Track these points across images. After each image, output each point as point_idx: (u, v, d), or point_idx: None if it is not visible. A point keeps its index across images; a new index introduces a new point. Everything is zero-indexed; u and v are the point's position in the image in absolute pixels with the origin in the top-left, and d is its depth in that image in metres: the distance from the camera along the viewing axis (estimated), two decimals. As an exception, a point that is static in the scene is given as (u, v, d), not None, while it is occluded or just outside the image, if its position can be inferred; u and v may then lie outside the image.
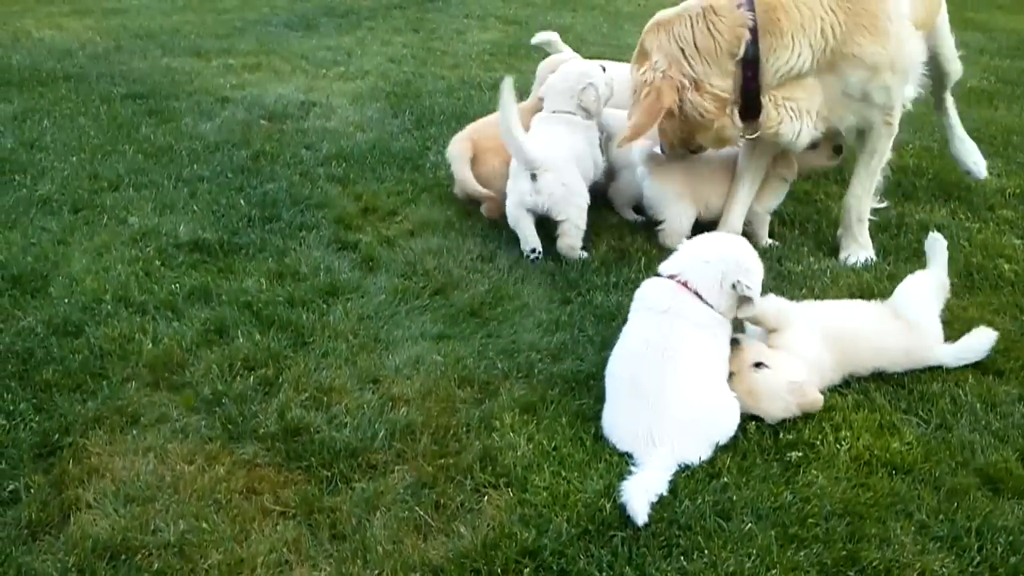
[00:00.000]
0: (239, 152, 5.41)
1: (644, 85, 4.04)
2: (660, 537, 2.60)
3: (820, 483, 2.82)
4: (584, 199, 4.28)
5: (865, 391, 3.30)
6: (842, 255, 4.39)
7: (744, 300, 3.19)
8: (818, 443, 3.01)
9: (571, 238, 4.24)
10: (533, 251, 4.23)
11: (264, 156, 5.35)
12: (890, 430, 3.09)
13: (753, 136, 4.20)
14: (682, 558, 2.53)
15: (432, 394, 3.22)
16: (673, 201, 4.43)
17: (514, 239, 4.38)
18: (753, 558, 2.52)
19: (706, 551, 2.55)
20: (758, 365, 3.17)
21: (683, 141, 4.28)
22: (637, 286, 3.91)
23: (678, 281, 3.20)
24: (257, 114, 6.11)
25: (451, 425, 3.06)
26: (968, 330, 3.57)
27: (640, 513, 2.62)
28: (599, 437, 3.03)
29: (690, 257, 3.28)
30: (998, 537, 2.62)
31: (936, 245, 3.75)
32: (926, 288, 3.60)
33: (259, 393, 3.20)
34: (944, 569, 2.51)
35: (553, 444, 2.98)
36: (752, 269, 3.26)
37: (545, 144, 4.25)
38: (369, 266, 4.13)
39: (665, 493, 2.73)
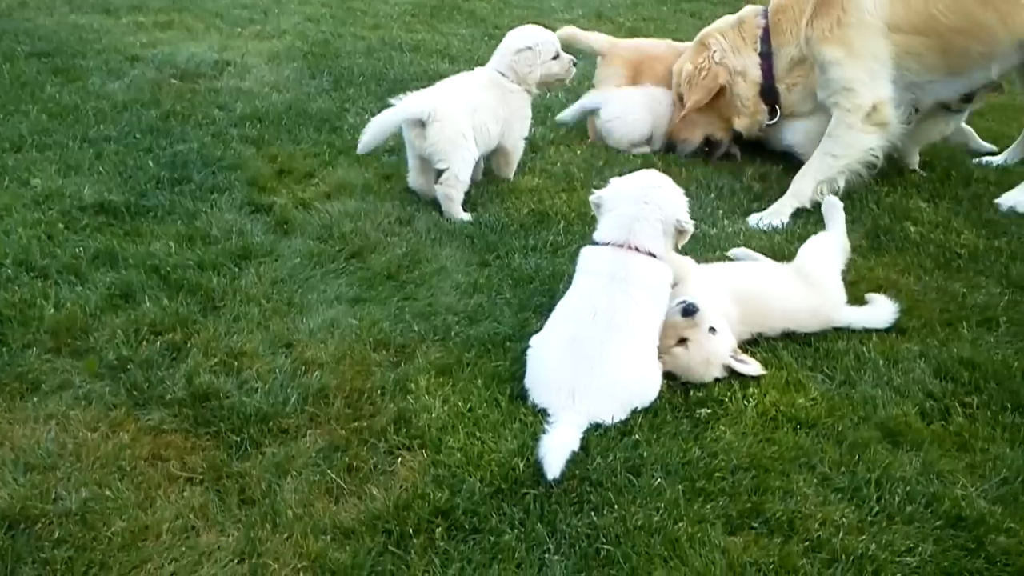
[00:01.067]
0: (148, 112, 5.24)
1: (701, 70, 5.11)
2: (572, 494, 2.64)
3: (728, 438, 2.89)
4: (470, 153, 4.28)
5: (773, 350, 3.38)
6: (754, 216, 4.49)
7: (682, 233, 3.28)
8: (727, 400, 3.07)
9: (450, 188, 4.24)
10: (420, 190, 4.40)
11: (175, 116, 5.20)
12: (796, 387, 3.17)
13: (773, 123, 5.18)
14: (592, 513, 2.57)
15: (347, 358, 3.19)
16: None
17: (433, 202, 4.35)
18: (661, 512, 2.57)
19: (616, 506, 2.59)
20: (711, 330, 3.19)
21: (718, 128, 5.29)
22: (556, 249, 3.97)
23: (625, 246, 3.20)
24: (168, 73, 5.93)
25: (365, 388, 3.04)
26: (875, 290, 3.69)
27: (553, 468, 2.64)
28: (515, 397, 3.04)
29: (627, 219, 3.25)
30: (896, 487, 2.71)
31: (833, 209, 3.85)
32: (827, 250, 3.70)
33: (166, 359, 3.13)
34: (844, 519, 2.59)
35: (468, 405, 2.98)
36: (682, 201, 3.35)
37: (439, 95, 4.29)
38: (283, 229, 4.05)
39: (577, 450, 2.77)
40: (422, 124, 4.18)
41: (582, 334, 3.02)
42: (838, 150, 4.65)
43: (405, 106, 4.18)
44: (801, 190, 4.61)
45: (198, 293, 3.50)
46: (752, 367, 3.18)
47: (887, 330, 3.52)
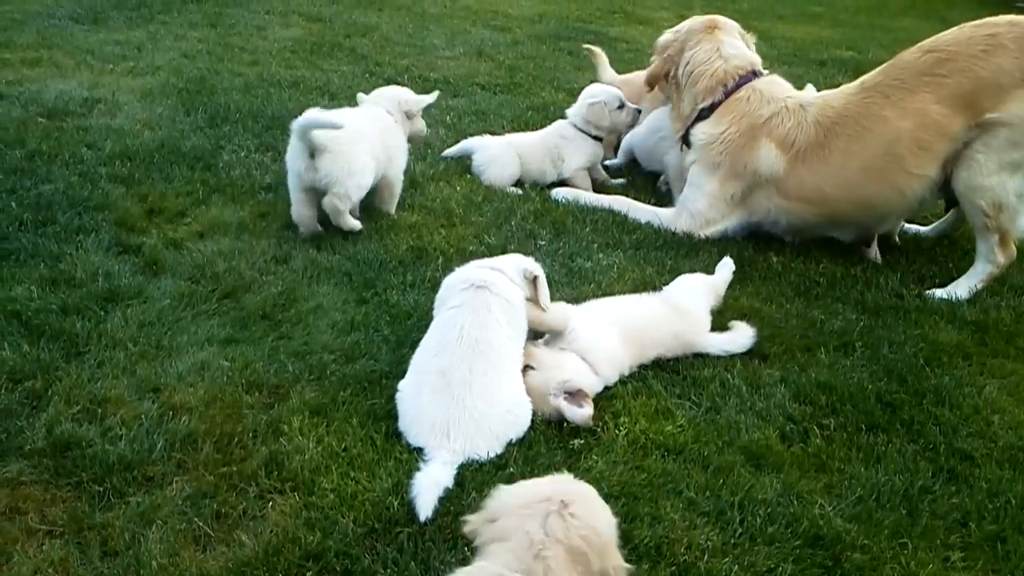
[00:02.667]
0: (12, 152, 5.04)
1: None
2: (446, 530, 2.65)
3: (599, 467, 2.95)
4: (365, 180, 4.39)
5: (644, 378, 3.48)
6: None
7: (537, 288, 3.36)
8: (599, 430, 3.15)
9: (338, 200, 4.28)
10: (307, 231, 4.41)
11: (40, 156, 5.01)
12: (665, 414, 3.26)
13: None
14: (466, 549, 2.57)
15: (217, 401, 3.13)
16: None
17: (311, 240, 4.33)
18: (534, 545, 2.60)
19: (490, 541, 2.61)
20: (526, 368, 3.27)
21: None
22: (435, 285, 3.98)
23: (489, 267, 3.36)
24: (34, 111, 5.71)
25: (236, 432, 2.99)
26: (740, 318, 3.85)
27: (425, 508, 2.65)
28: (390, 435, 3.04)
29: (492, 260, 3.46)
30: (758, 509, 2.82)
31: (724, 268, 4.13)
32: (696, 283, 3.90)
33: (26, 407, 3.01)
34: (709, 542, 2.68)
35: (343, 445, 2.97)
36: (534, 264, 3.46)
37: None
38: (153, 270, 3.96)
39: (452, 486, 2.78)
40: (312, 156, 4.19)
41: (449, 362, 3.06)
42: (659, 220, 4.95)
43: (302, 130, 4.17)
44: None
45: (61, 338, 3.38)
46: (580, 413, 3.13)
47: (751, 357, 3.67)
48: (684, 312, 3.68)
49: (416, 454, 2.94)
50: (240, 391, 3.20)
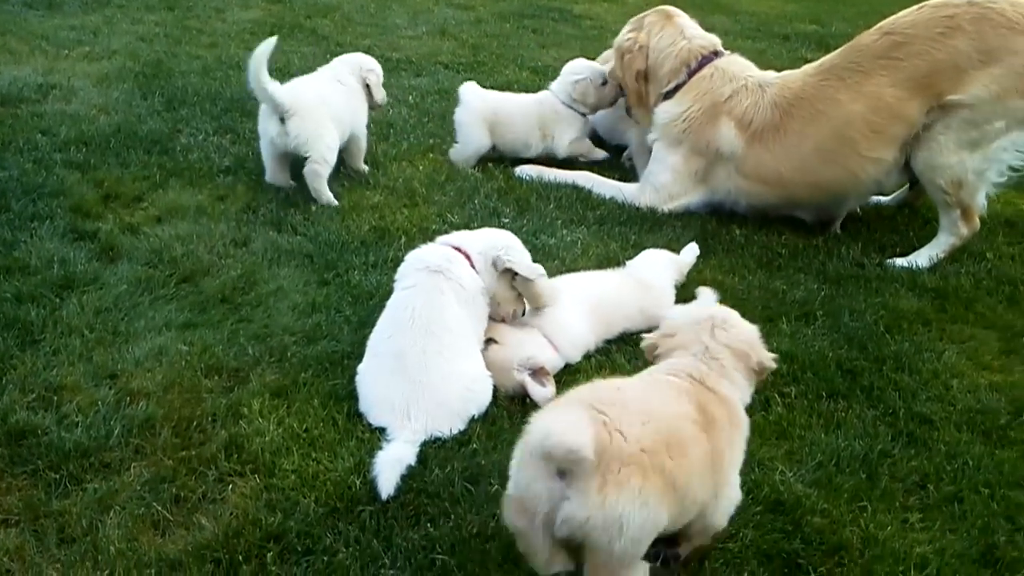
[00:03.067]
0: (-37, 140, 4.95)
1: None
2: (408, 507, 2.65)
3: (563, 442, 2.95)
4: (333, 140, 4.60)
5: (607, 352, 3.49)
6: None
7: (512, 274, 3.32)
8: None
9: (318, 165, 4.52)
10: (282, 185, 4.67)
11: (-7, 143, 4.92)
12: (628, 387, 3.26)
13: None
14: (429, 525, 2.58)
15: (175, 385, 3.10)
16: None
17: (271, 222, 4.29)
18: (497, 518, 2.60)
19: (452, 516, 2.61)
20: (488, 341, 3.27)
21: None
22: (397, 265, 3.95)
23: (452, 246, 3.32)
24: (-14, 98, 5.61)
25: (195, 416, 2.96)
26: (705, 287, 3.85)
27: (387, 486, 2.64)
28: (352, 415, 3.03)
29: (461, 234, 3.46)
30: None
31: (690, 251, 4.15)
32: (660, 258, 3.92)
33: (-21, 397, 2.96)
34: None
35: (304, 426, 2.95)
36: (512, 245, 3.41)
37: (296, 91, 4.55)
38: (109, 256, 3.90)
39: (415, 464, 2.77)
40: (281, 120, 4.42)
41: (403, 344, 3.05)
42: (623, 195, 4.95)
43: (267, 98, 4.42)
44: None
45: (15, 327, 3.33)
46: (542, 392, 3.13)
47: (713, 328, 3.67)
48: (649, 286, 3.69)
49: (378, 434, 2.93)
50: (199, 375, 3.17)
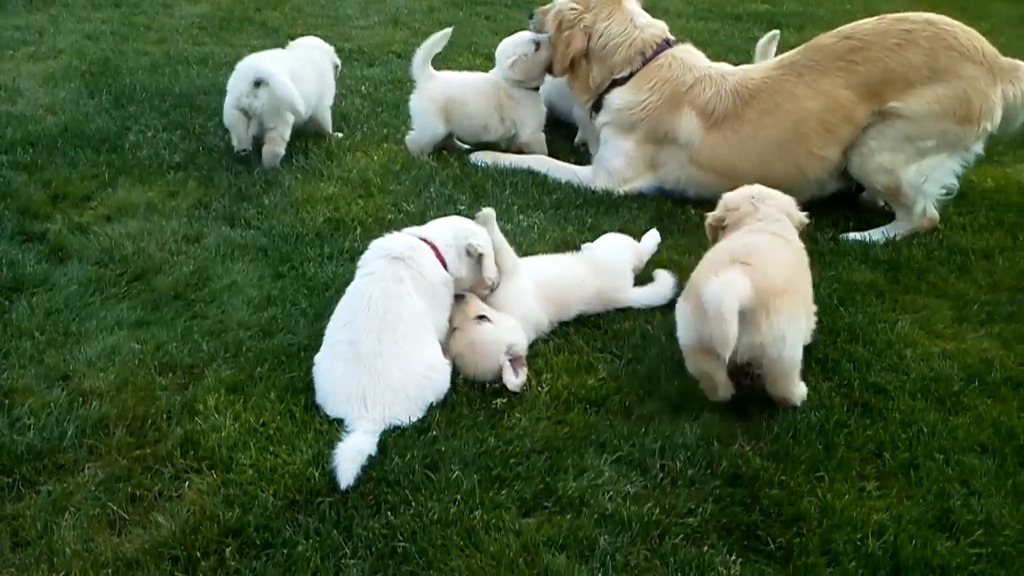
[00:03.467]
0: (-95, 143, 4.84)
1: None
2: (368, 496, 2.64)
3: (523, 425, 2.96)
4: (299, 114, 4.85)
5: (566, 335, 3.49)
6: None
7: (480, 260, 3.33)
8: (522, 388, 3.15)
9: (276, 145, 4.79)
10: (244, 151, 4.83)
11: (-66, 147, 4.81)
12: (586, 368, 3.28)
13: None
14: (389, 513, 2.57)
15: (129, 384, 3.06)
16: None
17: (223, 217, 4.24)
18: (458, 503, 2.61)
19: (413, 503, 2.61)
20: (480, 318, 3.26)
21: None
22: (353, 256, 3.93)
23: (419, 236, 3.32)
24: (-73, 101, 5.49)
25: (149, 414, 2.93)
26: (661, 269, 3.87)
27: (346, 476, 2.63)
28: (310, 407, 3.01)
29: (430, 225, 3.45)
30: (679, 454, 2.86)
31: (651, 239, 4.12)
32: (618, 242, 3.93)
33: (-73, 403, 2.91)
34: (632, 488, 2.72)
35: (261, 420, 2.93)
36: (479, 233, 3.40)
37: (271, 60, 4.87)
38: (59, 256, 3.84)
39: (375, 453, 2.76)
40: (256, 84, 4.66)
41: (359, 334, 3.03)
42: (577, 178, 4.96)
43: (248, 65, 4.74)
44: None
45: (-38, 331, 3.27)
46: (515, 380, 3.13)
47: (669, 308, 3.66)
48: (606, 269, 3.69)
49: (336, 425, 2.91)
50: (153, 373, 3.13)
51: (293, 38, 7.29)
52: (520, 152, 5.26)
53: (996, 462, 2.93)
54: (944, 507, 2.73)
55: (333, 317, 3.17)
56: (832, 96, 4.37)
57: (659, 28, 4.93)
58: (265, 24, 7.81)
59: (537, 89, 5.30)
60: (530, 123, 5.26)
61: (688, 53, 4.87)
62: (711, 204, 4.65)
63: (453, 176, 4.87)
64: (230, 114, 4.77)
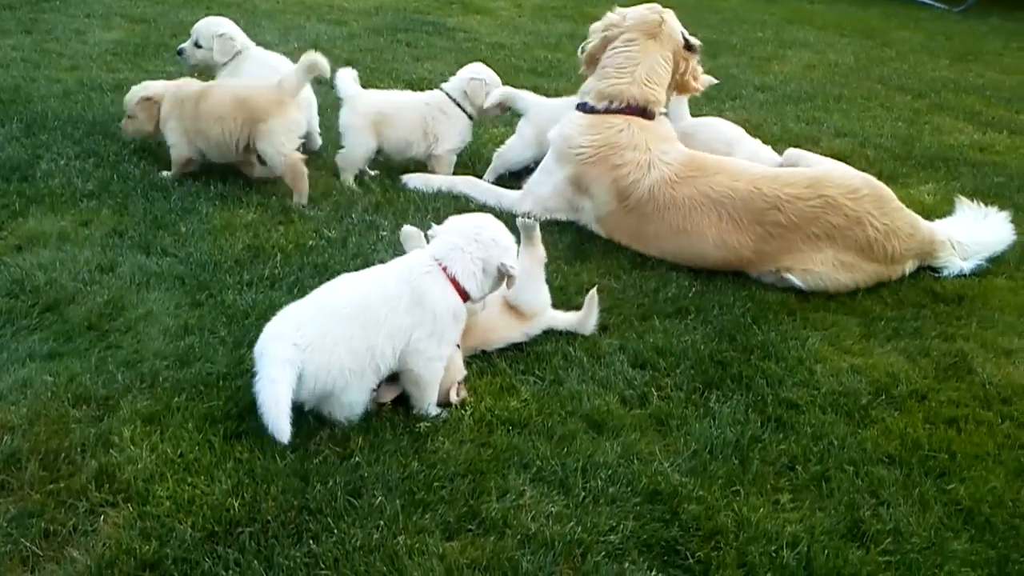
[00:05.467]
0: None
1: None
2: (289, 525, 2.62)
3: (447, 448, 2.98)
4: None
5: (489, 358, 3.52)
6: None
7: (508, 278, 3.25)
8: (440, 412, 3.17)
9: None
10: None
11: None
12: (509, 390, 3.32)
13: None
14: (311, 542, 2.56)
15: (41, 417, 2.98)
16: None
17: (139, 245, 4.16)
18: (381, 529, 2.61)
19: (335, 530, 2.59)
20: None
21: None
22: (273, 282, 3.91)
23: (439, 263, 3.19)
24: None
25: (63, 447, 2.85)
26: (581, 292, 3.92)
27: (281, 431, 2.71)
28: (229, 437, 2.97)
29: (448, 246, 3.24)
30: (600, 472, 2.91)
31: (527, 228, 3.87)
32: (530, 265, 3.67)
33: None
34: (554, 508, 2.75)
35: (179, 451, 2.88)
36: (511, 247, 3.31)
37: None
38: (-34, 289, 3.72)
39: (297, 480, 2.75)
40: None
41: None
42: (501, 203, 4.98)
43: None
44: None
45: None
46: (457, 400, 3.22)
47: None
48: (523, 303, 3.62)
49: (259, 452, 2.88)
50: (66, 405, 3.05)
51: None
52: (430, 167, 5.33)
53: (903, 472, 3.06)
54: (855, 517, 2.83)
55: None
56: (737, 254, 4.32)
57: (648, 93, 4.77)
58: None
59: (470, 120, 5.36)
60: (451, 141, 5.29)
61: (645, 128, 4.69)
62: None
63: (375, 202, 4.88)
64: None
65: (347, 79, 5.17)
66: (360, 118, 5.15)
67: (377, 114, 5.17)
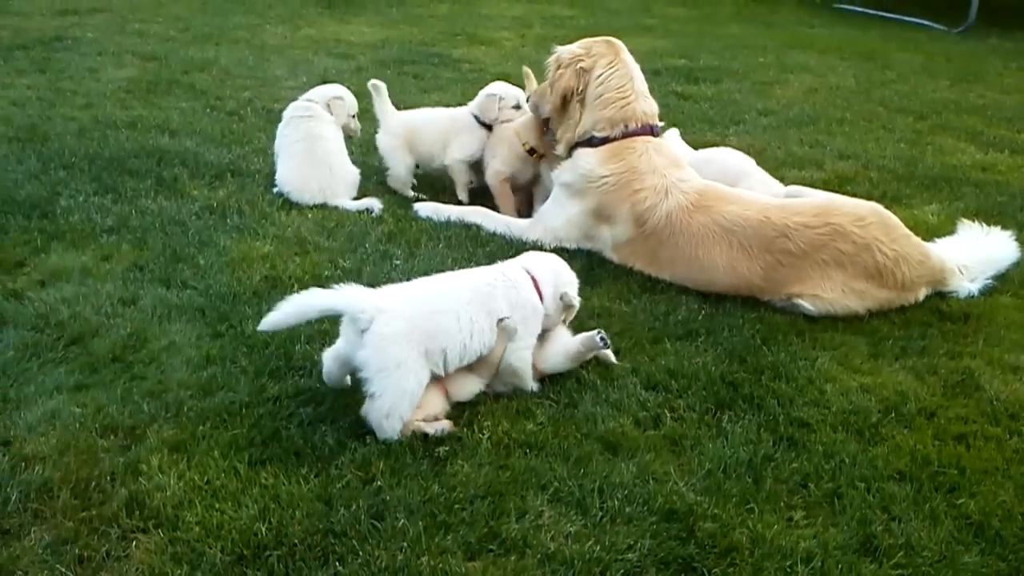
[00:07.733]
0: None
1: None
2: (316, 548, 2.68)
3: (465, 471, 3.04)
4: None
5: (504, 383, 3.60)
6: None
7: (569, 308, 3.71)
8: (463, 435, 3.24)
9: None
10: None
11: None
12: (525, 414, 3.39)
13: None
14: (337, 563, 2.63)
15: (71, 448, 3.06)
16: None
17: (159, 278, 4.26)
18: (405, 551, 2.68)
19: (360, 552, 2.66)
20: None
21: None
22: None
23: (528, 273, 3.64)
24: None
25: (93, 476, 2.93)
26: (592, 316, 4.03)
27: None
28: (254, 463, 3.05)
29: (531, 260, 3.79)
30: (616, 492, 2.97)
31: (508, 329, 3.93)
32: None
33: None
34: (572, 527, 2.82)
35: (206, 478, 2.95)
36: (574, 281, 3.79)
37: None
38: (-7, 323, 3.82)
39: (321, 505, 2.82)
40: None
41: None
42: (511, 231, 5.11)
43: None
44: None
45: None
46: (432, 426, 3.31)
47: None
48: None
49: (283, 478, 2.95)
50: (94, 436, 3.14)
51: (221, 99, 7.46)
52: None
53: (914, 488, 3.11)
54: (867, 532, 2.89)
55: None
56: (747, 281, 4.39)
57: (651, 107, 4.91)
58: (193, 86, 7.85)
59: (487, 130, 5.61)
60: (460, 149, 5.59)
61: (660, 151, 4.78)
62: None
63: (388, 232, 4.98)
64: None
65: (381, 103, 5.83)
66: (393, 138, 5.70)
67: (410, 131, 5.69)
